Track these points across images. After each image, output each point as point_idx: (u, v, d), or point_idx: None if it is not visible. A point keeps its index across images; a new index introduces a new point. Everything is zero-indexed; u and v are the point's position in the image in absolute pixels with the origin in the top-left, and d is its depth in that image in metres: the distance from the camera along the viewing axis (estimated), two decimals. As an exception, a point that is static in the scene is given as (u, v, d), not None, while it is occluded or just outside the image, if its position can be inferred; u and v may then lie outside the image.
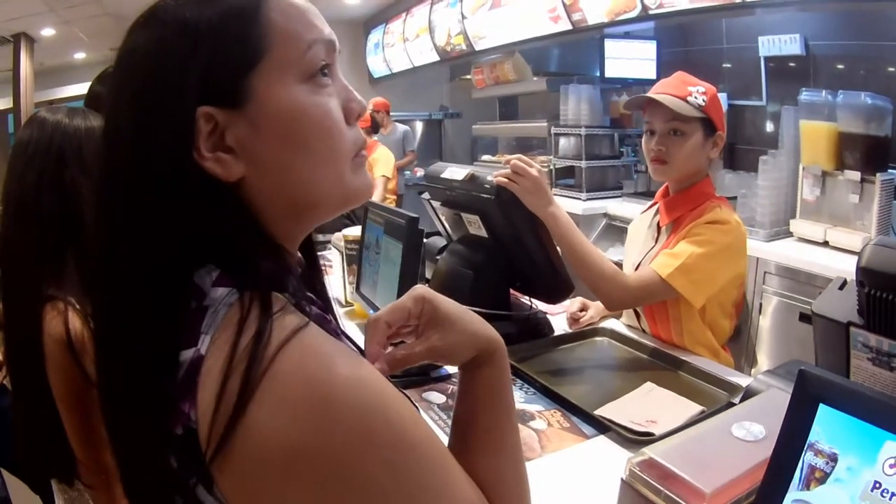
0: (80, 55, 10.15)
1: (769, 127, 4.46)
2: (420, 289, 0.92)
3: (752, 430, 1.08)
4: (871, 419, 0.83)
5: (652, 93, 2.18)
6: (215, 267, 0.73)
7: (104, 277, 0.76)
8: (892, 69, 3.84)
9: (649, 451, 1.05)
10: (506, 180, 1.97)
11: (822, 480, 0.85)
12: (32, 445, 1.57)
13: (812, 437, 0.87)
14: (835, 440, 0.85)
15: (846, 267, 3.09)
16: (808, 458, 0.87)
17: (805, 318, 3.30)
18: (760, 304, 3.54)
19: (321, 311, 0.83)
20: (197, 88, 0.71)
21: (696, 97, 2.09)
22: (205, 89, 0.72)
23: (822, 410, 0.87)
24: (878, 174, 3.29)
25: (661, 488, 1.03)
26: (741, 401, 1.37)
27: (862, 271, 1.14)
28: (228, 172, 0.74)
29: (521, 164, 1.96)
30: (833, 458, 0.85)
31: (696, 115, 2.09)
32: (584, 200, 5.12)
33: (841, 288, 1.29)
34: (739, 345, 3.49)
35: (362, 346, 0.88)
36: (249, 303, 0.69)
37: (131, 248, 0.72)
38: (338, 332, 0.81)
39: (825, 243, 3.52)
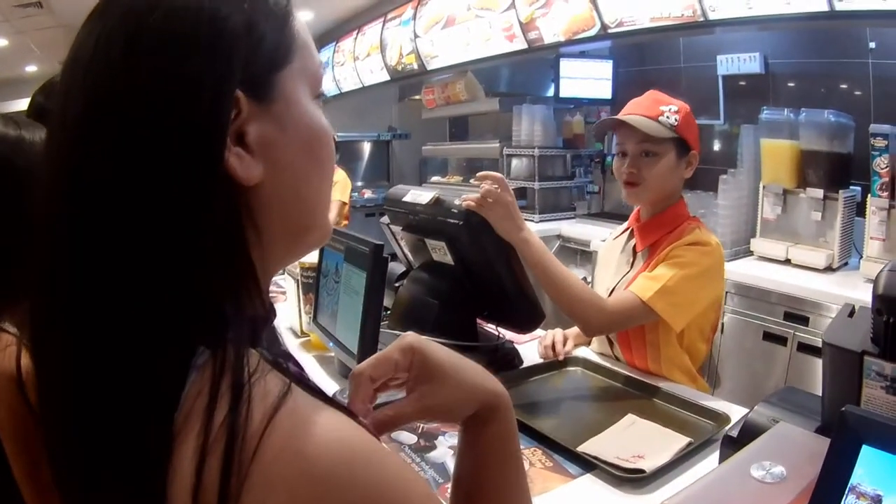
0: (31, 68, 9.94)
1: (727, 146, 4.48)
2: (409, 337, 0.82)
3: (772, 471, 1.00)
4: (919, 458, 0.78)
5: (623, 113, 2.16)
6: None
7: (63, 314, 0.60)
8: (851, 86, 3.87)
9: (669, 502, 0.96)
10: (475, 204, 1.88)
11: (865, 523, 0.80)
12: None
13: (854, 480, 0.81)
14: (878, 481, 0.79)
15: (810, 284, 3.16)
16: (849, 501, 0.80)
17: (769, 336, 3.31)
18: (723, 324, 3.50)
19: (297, 365, 0.72)
20: (240, 66, 0.62)
21: (668, 117, 2.06)
22: (240, 72, 0.63)
23: (865, 451, 0.81)
24: (840, 191, 3.34)
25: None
26: (740, 434, 1.29)
27: (880, 299, 1.08)
28: (248, 173, 0.63)
29: (492, 188, 1.88)
30: (877, 501, 0.79)
31: (669, 136, 2.05)
32: (538, 222, 5.15)
33: (850, 315, 1.23)
34: (702, 365, 3.51)
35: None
36: (222, 363, 0.57)
37: (115, 272, 0.58)
38: (318, 391, 0.67)
39: (787, 261, 3.53)
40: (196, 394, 0.56)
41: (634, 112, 2.12)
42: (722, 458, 1.34)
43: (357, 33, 7.45)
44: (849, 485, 0.80)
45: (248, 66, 0.63)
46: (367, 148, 8.77)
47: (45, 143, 0.67)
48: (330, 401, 0.62)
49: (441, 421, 0.83)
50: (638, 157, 2.11)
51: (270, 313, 0.71)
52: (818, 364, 2.94)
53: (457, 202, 1.96)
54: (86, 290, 0.59)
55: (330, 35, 8.22)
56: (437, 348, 0.81)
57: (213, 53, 0.60)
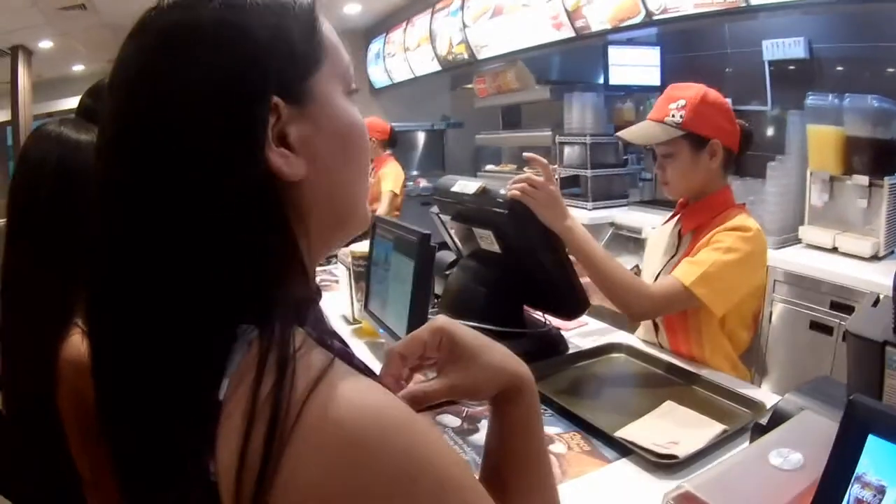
0: (78, 67, 10.14)
1: (774, 132, 4.41)
2: (440, 320, 0.88)
3: (790, 458, 1.04)
4: (923, 450, 0.80)
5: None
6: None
7: (118, 298, 0.69)
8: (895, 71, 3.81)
9: (687, 485, 1.00)
10: (520, 193, 1.93)
11: (869, 514, 0.82)
12: (34, 472, 1.52)
13: (860, 470, 0.83)
14: (883, 472, 0.81)
15: (856, 273, 3.13)
16: (854, 490, 0.83)
17: (816, 326, 3.29)
18: (770, 313, 3.50)
19: (342, 343, 0.78)
20: (275, 75, 0.69)
21: (673, 115, 2.09)
22: (275, 81, 0.69)
23: (872, 441, 0.83)
24: (885, 178, 3.28)
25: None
26: (769, 422, 1.32)
27: (900, 289, 1.11)
28: (293, 170, 0.70)
29: (535, 176, 1.93)
30: (881, 491, 0.81)
31: (675, 135, 2.09)
32: (590, 210, 5.13)
33: (875, 305, 1.25)
34: (749, 353, 3.49)
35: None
36: (269, 340, 0.63)
37: (169, 262, 0.66)
38: (364, 368, 0.74)
39: (834, 249, 3.49)
40: (246, 368, 0.62)
41: (651, 115, 2.17)
42: (751, 445, 1.37)
43: (406, 25, 7.48)
44: (855, 474, 0.82)
45: (281, 75, 0.70)
46: (421, 137, 8.78)
47: (98, 148, 0.73)
48: (371, 375, 0.69)
49: (467, 399, 0.89)
50: (662, 158, 2.17)
51: (316, 295, 0.79)
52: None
53: (502, 192, 2.00)
54: (145, 277, 0.66)
55: (379, 27, 8.26)
56: (465, 331, 0.87)
57: (247, 66, 0.67)
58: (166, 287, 0.65)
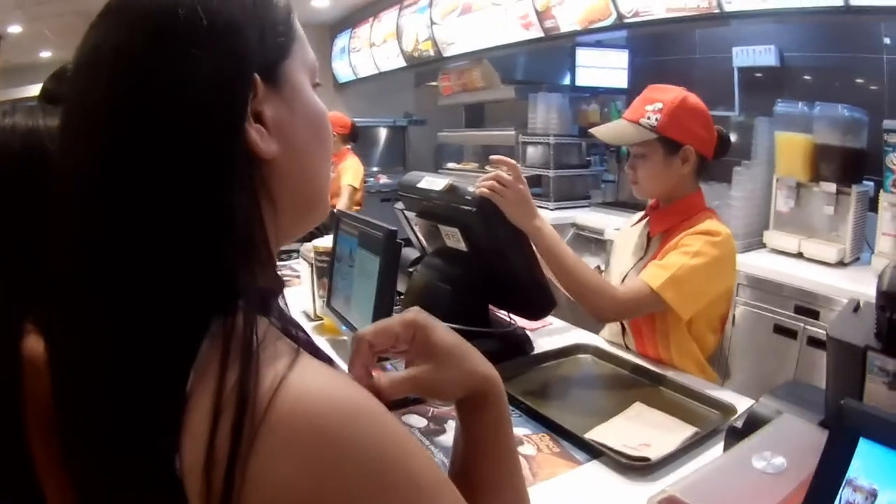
0: (46, 54, 9.98)
1: (741, 137, 4.43)
2: (414, 312, 0.85)
3: (773, 461, 1.02)
4: (914, 453, 0.79)
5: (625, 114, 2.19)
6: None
7: (89, 290, 0.64)
8: (865, 81, 3.85)
9: (671, 489, 0.98)
10: (489, 191, 1.89)
11: (860, 517, 0.80)
12: None
13: (851, 473, 0.81)
14: (874, 475, 0.80)
15: (821, 279, 3.14)
16: (846, 494, 0.81)
17: (780, 330, 3.30)
18: (734, 316, 3.50)
19: (305, 335, 0.75)
20: (256, 54, 0.69)
21: (649, 117, 2.08)
22: (256, 59, 0.69)
23: (863, 444, 0.81)
24: (853, 186, 3.31)
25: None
26: (744, 425, 1.31)
27: (884, 296, 1.09)
28: (268, 147, 0.69)
29: (505, 175, 1.89)
30: (873, 494, 0.80)
31: (648, 138, 2.08)
32: (552, 210, 5.14)
33: (855, 311, 1.24)
34: (712, 356, 3.51)
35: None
36: (233, 330, 0.60)
37: (149, 241, 0.62)
38: (328, 360, 0.71)
39: (799, 255, 3.52)
40: (209, 358, 0.60)
41: (627, 114, 2.16)
42: (726, 449, 1.35)
43: (373, 20, 7.47)
44: (846, 478, 0.81)
45: (260, 54, 0.69)
46: (383, 133, 8.77)
47: (64, 131, 0.69)
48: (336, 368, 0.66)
49: (432, 398, 0.87)
50: (634, 158, 2.17)
51: (279, 285, 0.75)
52: (827, 358, 2.95)
53: (471, 189, 1.97)
54: (114, 261, 0.62)
55: (346, 22, 8.24)
56: (440, 329, 0.84)
57: (230, 44, 0.66)
58: (143, 276, 0.62)
